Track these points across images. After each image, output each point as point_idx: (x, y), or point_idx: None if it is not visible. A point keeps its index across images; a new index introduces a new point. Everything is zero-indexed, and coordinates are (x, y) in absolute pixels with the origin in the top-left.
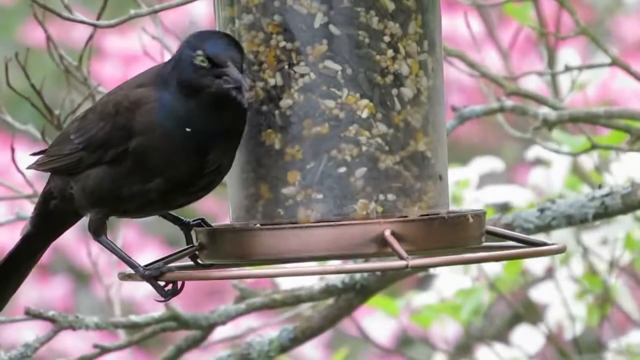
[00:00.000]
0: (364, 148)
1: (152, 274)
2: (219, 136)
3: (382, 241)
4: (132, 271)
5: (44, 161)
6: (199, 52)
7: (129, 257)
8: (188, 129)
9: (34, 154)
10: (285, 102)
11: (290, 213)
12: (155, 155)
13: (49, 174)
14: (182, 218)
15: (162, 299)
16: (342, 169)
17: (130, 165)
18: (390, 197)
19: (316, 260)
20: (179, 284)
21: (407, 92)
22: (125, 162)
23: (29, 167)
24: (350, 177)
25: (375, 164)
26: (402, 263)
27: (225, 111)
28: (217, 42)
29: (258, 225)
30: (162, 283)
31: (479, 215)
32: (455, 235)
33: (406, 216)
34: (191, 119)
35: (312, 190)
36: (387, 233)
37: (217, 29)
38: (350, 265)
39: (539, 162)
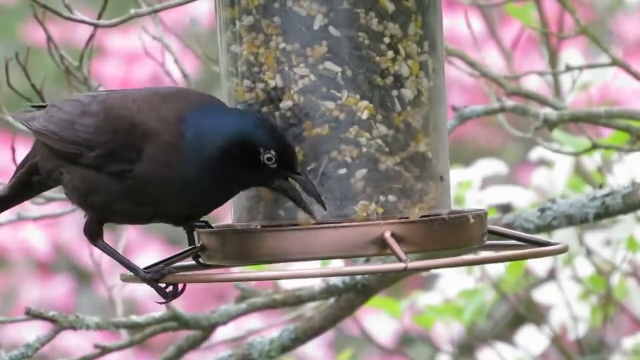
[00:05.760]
0: (364, 149)
1: (153, 277)
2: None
3: (382, 243)
4: None
5: (41, 130)
6: (272, 152)
7: (128, 260)
8: (192, 189)
9: (33, 106)
10: (285, 104)
11: (290, 214)
12: (152, 189)
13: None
14: None
15: (163, 300)
16: (343, 171)
17: (127, 186)
18: (391, 198)
19: (317, 260)
20: (180, 285)
21: (408, 93)
22: (124, 182)
23: (17, 118)
24: (350, 179)
25: (375, 165)
26: (400, 265)
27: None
28: (284, 140)
29: (259, 226)
30: (162, 284)
31: (480, 216)
32: (456, 235)
33: (407, 217)
34: (205, 186)
35: None
36: (387, 234)
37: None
38: (350, 267)
39: (541, 162)
